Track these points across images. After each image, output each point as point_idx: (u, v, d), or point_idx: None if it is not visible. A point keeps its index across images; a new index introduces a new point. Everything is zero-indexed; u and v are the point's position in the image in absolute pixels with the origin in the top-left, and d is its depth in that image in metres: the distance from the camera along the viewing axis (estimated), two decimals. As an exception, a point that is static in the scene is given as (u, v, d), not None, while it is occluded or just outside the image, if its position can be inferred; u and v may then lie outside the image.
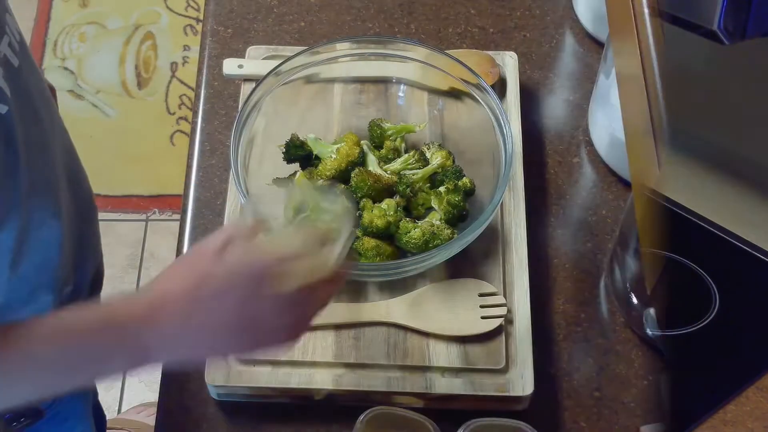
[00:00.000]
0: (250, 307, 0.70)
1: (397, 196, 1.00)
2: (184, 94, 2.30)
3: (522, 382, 0.92)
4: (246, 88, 1.11)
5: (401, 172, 1.01)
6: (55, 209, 0.91)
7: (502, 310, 0.95)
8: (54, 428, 1.09)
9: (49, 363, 0.71)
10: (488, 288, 0.97)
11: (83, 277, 1.05)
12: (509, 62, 1.14)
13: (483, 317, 0.95)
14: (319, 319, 0.74)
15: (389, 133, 1.04)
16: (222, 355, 0.81)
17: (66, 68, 2.33)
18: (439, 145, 1.06)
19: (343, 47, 1.06)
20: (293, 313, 0.72)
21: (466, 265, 0.99)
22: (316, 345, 0.94)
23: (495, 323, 0.94)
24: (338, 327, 0.95)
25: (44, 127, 0.89)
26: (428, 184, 1.02)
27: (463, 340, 0.94)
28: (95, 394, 1.26)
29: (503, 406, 0.94)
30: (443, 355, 0.94)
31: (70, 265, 0.98)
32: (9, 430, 0.99)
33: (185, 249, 1.05)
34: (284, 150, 1.04)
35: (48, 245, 0.91)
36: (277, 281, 0.70)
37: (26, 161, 0.83)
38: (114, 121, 2.27)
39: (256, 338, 0.73)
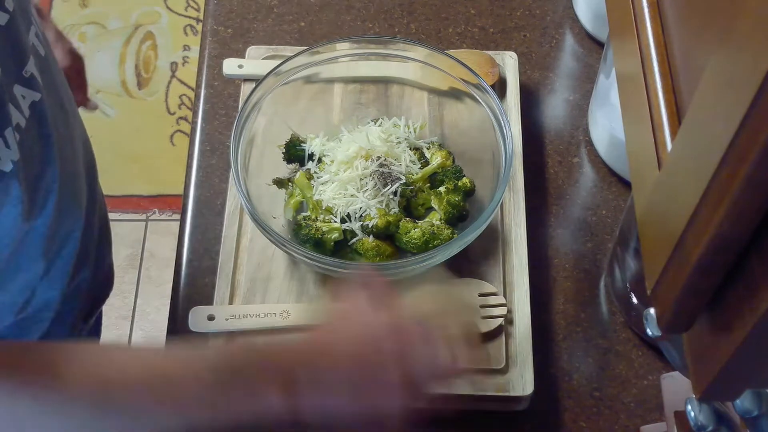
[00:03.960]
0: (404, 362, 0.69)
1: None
2: (184, 94, 2.30)
3: (522, 382, 0.92)
4: (246, 88, 1.11)
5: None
6: (79, 200, 0.92)
7: (502, 310, 0.95)
8: None
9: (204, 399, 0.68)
10: (488, 288, 0.97)
11: (95, 270, 1.06)
12: (509, 62, 1.13)
13: (483, 317, 0.95)
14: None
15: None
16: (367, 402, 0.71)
17: (66, 68, 2.33)
18: (439, 145, 1.06)
19: (343, 47, 1.06)
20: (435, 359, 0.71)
21: (466, 265, 0.99)
22: (316, 345, 0.94)
23: (495, 323, 0.94)
24: (338, 327, 0.95)
25: (69, 118, 0.91)
26: (428, 184, 1.02)
27: (463, 340, 0.94)
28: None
29: (503, 406, 0.94)
30: (443, 355, 0.93)
31: (83, 258, 0.99)
32: None
33: (185, 249, 1.05)
34: (284, 150, 1.04)
35: (72, 235, 0.92)
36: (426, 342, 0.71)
37: (57, 150, 0.84)
38: (114, 121, 2.27)
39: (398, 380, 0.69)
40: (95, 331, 1.26)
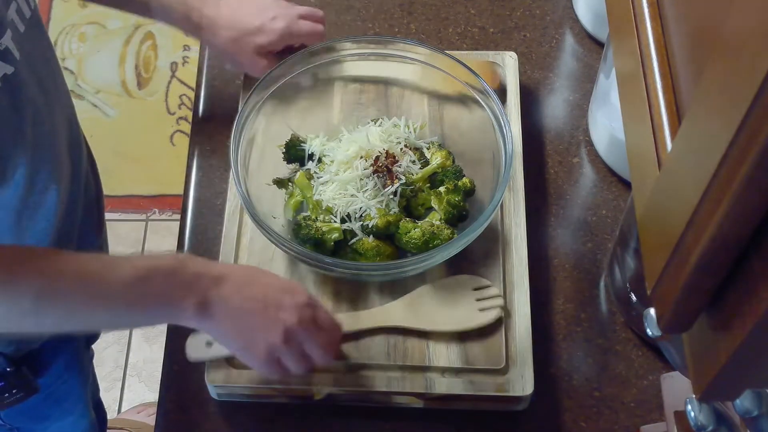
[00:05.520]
0: (274, 295, 0.85)
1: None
2: (184, 94, 2.30)
3: (522, 382, 0.92)
4: (246, 88, 1.11)
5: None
6: (57, 177, 0.93)
7: (499, 301, 0.95)
8: (50, 409, 1.10)
9: (123, 295, 0.80)
10: (482, 282, 0.97)
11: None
12: (509, 62, 1.13)
13: (480, 310, 0.95)
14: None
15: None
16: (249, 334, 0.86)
17: (66, 68, 2.33)
18: (439, 145, 1.06)
19: (343, 47, 1.06)
20: (296, 313, 0.85)
21: (466, 265, 0.99)
22: (316, 345, 0.94)
23: (493, 314, 0.94)
24: (338, 327, 0.95)
25: (48, 95, 0.91)
26: (428, 184, 1.02)
27: (462, 339, 0.94)
28: (96, 389, 1.26)
29: (503, 405, 0.94)
30: (443, 355, 0.94)
31: (69, 235, 0.99)
32: (2, 401, 1.00)
33: (185, 249, 1.05)
34: (284, 150, 1.04)
35: (49, 211, 0.92)
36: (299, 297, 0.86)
37: (31, 124, 0.85)
38: (114, 121, 2.27)
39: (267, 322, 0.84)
40: None
